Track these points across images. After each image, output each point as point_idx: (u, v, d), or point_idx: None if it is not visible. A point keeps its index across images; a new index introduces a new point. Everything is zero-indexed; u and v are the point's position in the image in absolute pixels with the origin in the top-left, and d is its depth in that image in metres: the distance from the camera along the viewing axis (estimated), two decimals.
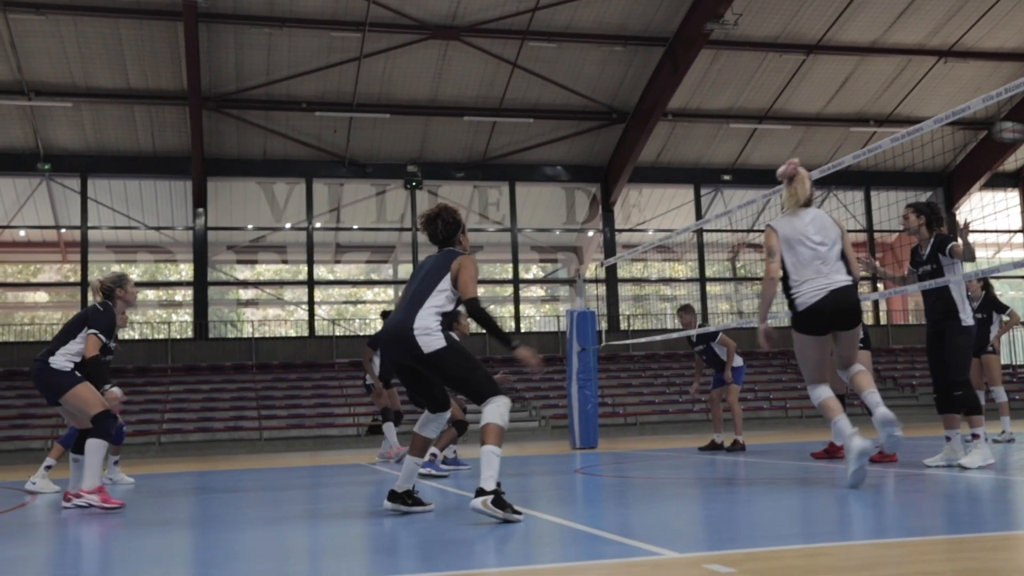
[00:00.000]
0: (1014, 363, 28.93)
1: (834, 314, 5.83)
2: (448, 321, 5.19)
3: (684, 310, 11.51)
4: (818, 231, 5.95)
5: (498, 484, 4.72)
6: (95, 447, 6.16)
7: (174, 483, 9.70)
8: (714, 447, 11.28)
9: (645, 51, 24.62)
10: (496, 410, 4.97)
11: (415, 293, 5.23)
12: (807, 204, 6.12)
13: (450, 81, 24.79)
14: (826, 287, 5.85)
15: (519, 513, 4.68)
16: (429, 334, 5.03)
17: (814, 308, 5.85)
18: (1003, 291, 33.17)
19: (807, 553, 3.47)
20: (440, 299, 5.18)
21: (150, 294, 29.84)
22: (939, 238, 7.19)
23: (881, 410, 5.77)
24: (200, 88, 22.57)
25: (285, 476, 10.13)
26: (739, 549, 3.60)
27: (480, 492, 4.67)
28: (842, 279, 5.88)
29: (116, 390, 6.42)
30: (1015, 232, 32.51)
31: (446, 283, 5.22)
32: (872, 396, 5.92)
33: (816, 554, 3.44)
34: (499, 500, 4.65)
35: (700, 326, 11.36)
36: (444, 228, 5.44)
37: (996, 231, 32.47)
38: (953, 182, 30.65)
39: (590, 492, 6.82)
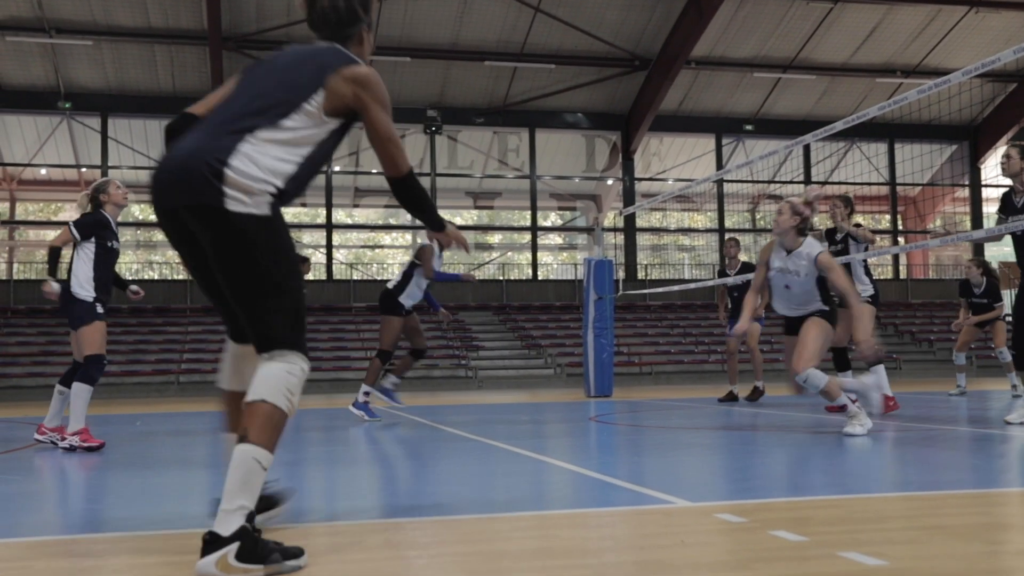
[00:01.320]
0: None
1: None
2: (296, 187, 2.75)
3: (732, 242, 11.78)
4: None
5: (250, 517, 2.52)
6: (80, 391, 6.26)
7: (193, 423, 9.81)
8: (732, 398, 11.32)
9: None
10: (281, 378, 2.64)
11: (245, 103, 2.82)
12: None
13: (472, 25, 24.52)
14: None
15: (296, 555, 2.54)
16: (249, 186, 2.65)
17: None
18: None
19: (819, 504, 3.49)
20: (293, 132, 2.77)
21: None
22: None
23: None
24: (221, 28, 22.43)
25: (299, 418, 10.17)
26: (751, 499, 3.63)
27: (214, 540, 2.46)
28: None
29: (54, 285, 6.50)
30: None
31: (313, 103, 2.80)
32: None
33: (828, 505, 3.46)
34: (250, 549, 2.47)
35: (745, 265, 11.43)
36: (334, 10, 3.08)
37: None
38: (980, 136, 30.22)
39: (603, 440, 6.87)
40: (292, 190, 2.75)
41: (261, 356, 2.70)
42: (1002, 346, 12.17)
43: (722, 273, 11.79)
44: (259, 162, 2.69)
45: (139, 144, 26.11)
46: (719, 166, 28.76)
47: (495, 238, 32.13)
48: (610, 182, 29.19)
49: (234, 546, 2.46)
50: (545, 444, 6.51)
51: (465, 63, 25.53)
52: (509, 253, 30.64)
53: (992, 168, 30.45)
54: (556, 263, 31.86)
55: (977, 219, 30.71)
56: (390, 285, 8.69)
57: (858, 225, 8.20)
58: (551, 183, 28.96)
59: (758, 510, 3.32)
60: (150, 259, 30.27)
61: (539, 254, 29.40)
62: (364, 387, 8.68)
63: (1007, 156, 7.03)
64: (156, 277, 28.10)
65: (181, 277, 27.60)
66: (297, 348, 2.71)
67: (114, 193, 6.61)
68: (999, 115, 29.50)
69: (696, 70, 26.42)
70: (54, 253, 6.53)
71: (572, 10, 24.20)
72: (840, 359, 8.15)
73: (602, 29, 24.85)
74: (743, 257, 11.93)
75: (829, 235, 8.40)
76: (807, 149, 29.13)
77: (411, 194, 3.00)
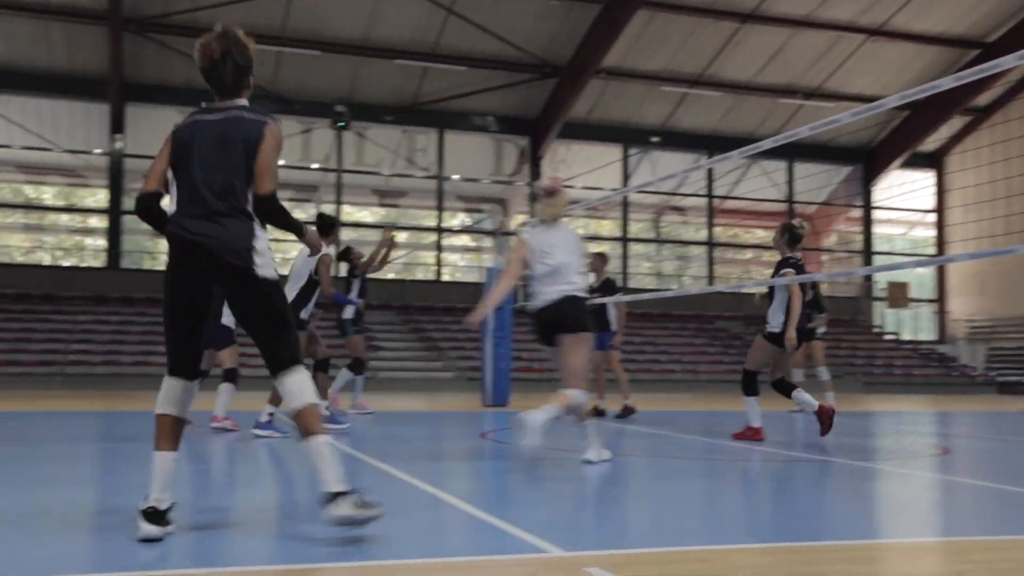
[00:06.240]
0: None
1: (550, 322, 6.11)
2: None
3: (598, 256, 11.44)
4: (564, 245, 6.21)
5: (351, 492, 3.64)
6: None
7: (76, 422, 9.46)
8: (597, 413, 11.38)
9: (582, 7, 24.45)
10: (308, 382, 3.78)
11: (223, 175, 3.70)
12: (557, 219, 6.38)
13: (384, 22, 24.31)
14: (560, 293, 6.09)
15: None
16: (263, 253, 3.72)
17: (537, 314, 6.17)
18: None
19: (690, 557, 3.53)
20: (248, 193, 3.76)
21: (63, 218, 28.85)
22: None
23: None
24: (122, 8, 21.72)
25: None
26: (622, 549, 3.65)
27: (333, 496, 3.61)
28: (569, 288, 6.11)
29: None
30: (927, 212, 33.46)
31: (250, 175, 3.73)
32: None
33: (705, 559, 3.50)
34: (357, 501, 3.62)
35: (607, 282, 11.24)
36: (234, 69, 3.80)
37: (911, 210, 33.33)
38: (874, 159, 31.31)
39: (489, 467, 6.86)
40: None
41: (282, 371, 3.73)
42: (822, 365, 12.93)
43: (589, 289, 11.50)
44: (248, 226, 3.73)
45: (31, 124, 25.09)
46: (625, 175, 29.11)
47: (400, 237, 31.90)
48: (518, 184, 29.27)
49: (352, 496, 3.56)
50: (427, 467, 6.46)
51: (376, 60, 25.28)
52: (414, 253, 30.46)
53: (884, 190, 31.58)
54: (462, 263, 31.82)
55: (868, 238, 31.81)
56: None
57: (785, 264, 8.17)
58: (459, 185, 28.92)
59: (628, 563, 3.35)
60: (41, 240, 29.11)
61: (444, 255, 29.31)
62: (269, 408, 8.26)
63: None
64: (47, 262, 27.04)
65: (72, 263, 26.62)
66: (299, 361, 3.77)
67: None
68: (893, 139, 30.64)
69: (606, 80, 26.72)
70: None
71: (485, 14, 24.21)
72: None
73: (514, 34, 24.92)
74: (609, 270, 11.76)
75: (778, 265, 8.33)
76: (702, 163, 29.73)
77: (274, 209, 3.72)
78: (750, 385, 8.32)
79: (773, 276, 8.23)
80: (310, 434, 3.63)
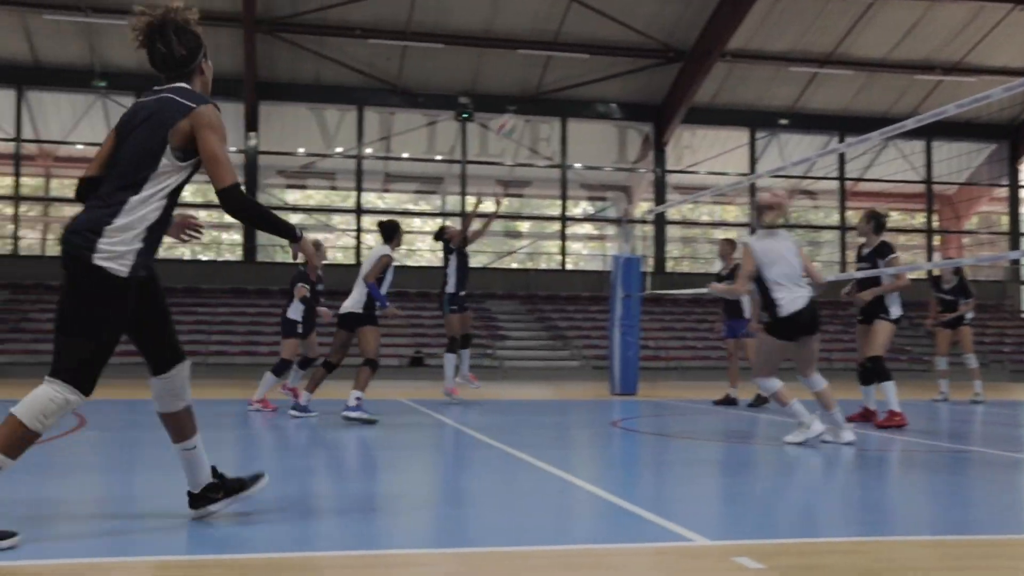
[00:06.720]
0: None
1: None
2: (155, 236, 3.37)
3: (727, 243, 11.45)
4: (789, 252, 6.66)
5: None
6: None
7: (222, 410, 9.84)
8: (728, 401, 11.19)
9: None
10: (40, 405, 3.19)
11: (129, 160, 3.38)
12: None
13: (506, 12, 24.40)
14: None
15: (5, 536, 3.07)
16: (117, 240, 3.26)
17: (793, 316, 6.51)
18: None
19: (844, 549, 3.41)
20: (151, 190, 3.34)
21: (202, 214, 30.10)
22: None
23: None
24: (255, 10, 22.46)
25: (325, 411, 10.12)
26: (770, 539, 3.56)
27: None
28: (808, 293, 6.63)
29: None
30: None
31: (166, 158, 3.36)
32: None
33: (853, 551, 3.38)
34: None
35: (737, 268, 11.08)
36: (177, 45, 3.51)
37: None
38: (1020, 137, 29.71)
39: (625, 453, 6.80)
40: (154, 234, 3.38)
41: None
42: (969, 352, 12.24)
43: (718, 276, 11.40)
44: (125, 222, 3.32)
45: None
46: (752, 159, 28.47)
47: (524, 226, 32.05)
48: (641, 172, 28.99)
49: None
50: (565, 456, 6.46)
51: (498, 51, 25.41)
52: (538, 242, 30.55)
53: None
54: (585, 252, 31.72)
55: (1015, 219, 30.25)
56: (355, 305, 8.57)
57: (890, 249, 8.28)
58: (582, 173, 28.82)
59: (777, 554, 3.26)
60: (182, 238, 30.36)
61: (568, 244, 29.29)
62: (356, 392, 8.40)
63: (859, 221, 8.56)
64: (188, 257, 28.28)
65: (211, 258, 27.78)
66: (65, 377, 3.23)
67: None
68: None
69: (731, 63, 26.15)
70: None
71: (607, 0, 24.00)
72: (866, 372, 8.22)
73: (637, 19, 24.63)
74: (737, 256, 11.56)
75: (858, 251, 8.60)
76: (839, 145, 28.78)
77: (237, 204, 3.36)
78: (883, 371, 8.16)
79: (874, 263, 8.29)
80: None
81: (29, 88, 25.05)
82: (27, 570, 2.91)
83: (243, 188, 3.34)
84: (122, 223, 3.28)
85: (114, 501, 4.37)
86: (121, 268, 3.26)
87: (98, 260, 3.23)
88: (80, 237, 3.25)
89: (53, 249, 28.35)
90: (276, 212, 3.62)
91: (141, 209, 3.31)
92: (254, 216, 3.42)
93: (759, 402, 10.94)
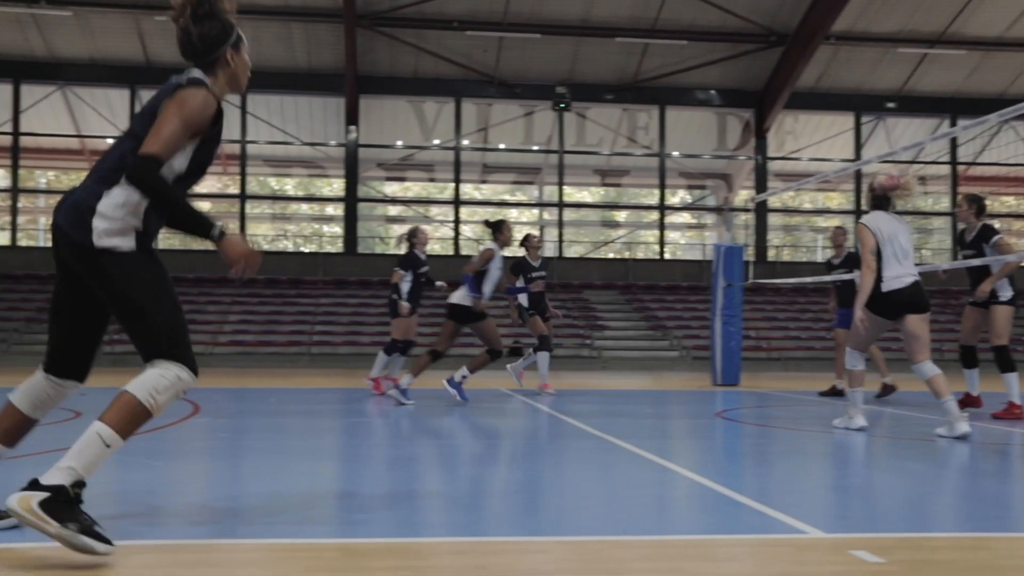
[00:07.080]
0: None
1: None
2: (151, 218, 3.16)
3: (839, 230, 11.28)
4: (904, 232, 6.63)
5: (76, 485, 2.86)
6: None
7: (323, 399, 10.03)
8: (834, 393, 10.89)
9: None
10: (152, 380, 3.03)
11: (120, 143, 3.21)
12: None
13: (602, 1, 24.20)
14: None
15: (104, 542, 2.76)
16: (112, 217, 3.08)
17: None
18: None
19: (966, 544, 3.27)
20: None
21: (304, 207, 30.79)
22: None
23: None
24: (355, 6, 22.80)
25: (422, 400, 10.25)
26: (888, 533, 3.43)
27: (33, 485, 2.83)
28: (916, 271, 6.57)
29: None
30: None
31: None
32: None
33: (976, 547, 3.24)
34: (56, 503, 2.79)
35: (850, 256, 10.80)
36: (196, 31, 3.25)
37: None
38: None
39: (731, 444, 6.68)
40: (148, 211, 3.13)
41: (146, 361, 3.09)
42: None
43: (828, 264, 11.17)
44: (116, 198, 3.11)
45: (275, 120, 26.87)
46: (857, 144, 27.66)
47: (622, 216, 31.84)
48: (741, 159, 28.47)
49: (45, 494, 2.78)
50: (670, 446, 6.38)
51: (595, 39, 25.25)
52: (636, 231, 30.31)
53: None
54: (684, 242, 31.36)
55: None
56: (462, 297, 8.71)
57: (993, 231, 8.21)
58: (680, 161, 28.45)
59: (895, 548, 3.14)
60: (285, 228, 31.17)
61: (666, 233, 28.97)
62: (464, 370, 8.81)
63: (958, 206, 8.40)
64: (290, 249, 28.96)
65: (313, 250, 28.37)
66: (177, 357, 3.09)
67: None
68: None
69: (836, 45, 25.45)
70: None
71: None
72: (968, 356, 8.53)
73: (737, 4, 24.17)
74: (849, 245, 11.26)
75: (960, 237, 8.53)
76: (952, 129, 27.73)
77: (145, 176, 3.00)
78: (1007, 361, 7.97)
79: (979, 248, 8.23)
80: (103, 420, 2.95)
81: (142, 87, 25.93)
82: (149, 548, 3.00)
83: (161, 169, 3.01)
84: (115, 202, 3.07)
85: (226, 484, 4.48)
86: (124, 243, 3.07)
87: (100, 242, 3.05)
88: (75, 228, 3.05)
89: (169, 242, 29.33)
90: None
91: (132, 190, 3.08)
92: (158, 197, 3.04)
93: (885, 392, 10.63)
